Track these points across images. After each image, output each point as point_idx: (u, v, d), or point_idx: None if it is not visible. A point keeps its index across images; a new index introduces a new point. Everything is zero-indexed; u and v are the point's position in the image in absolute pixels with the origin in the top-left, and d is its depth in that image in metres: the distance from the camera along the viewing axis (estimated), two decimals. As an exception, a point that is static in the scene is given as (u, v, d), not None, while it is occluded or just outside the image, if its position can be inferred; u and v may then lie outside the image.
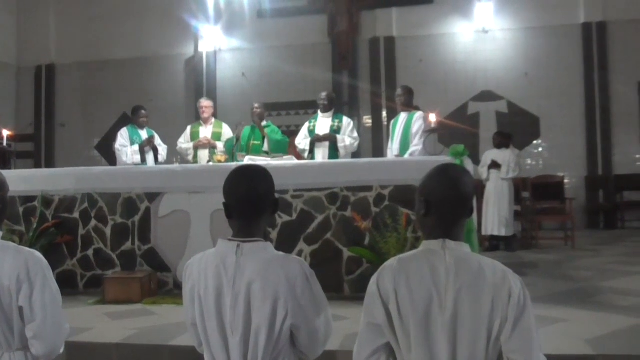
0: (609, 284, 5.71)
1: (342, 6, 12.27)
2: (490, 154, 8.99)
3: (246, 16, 12.66)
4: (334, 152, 6.99)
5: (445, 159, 5.30)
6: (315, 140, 7.05)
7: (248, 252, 1.89)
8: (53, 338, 2.10)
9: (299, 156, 7.12)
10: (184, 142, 7.71)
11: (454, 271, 1.78)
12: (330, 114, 7.20)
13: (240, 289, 1.85)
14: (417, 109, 7.03)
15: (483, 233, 8.66)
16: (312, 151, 7.08)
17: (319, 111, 7.30)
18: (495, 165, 8.74)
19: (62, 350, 2.16)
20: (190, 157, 7.56)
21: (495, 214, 8.61)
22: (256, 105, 7.48)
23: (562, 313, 4.55)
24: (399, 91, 7.05)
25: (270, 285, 1.84)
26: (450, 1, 11.92)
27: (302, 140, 7.24)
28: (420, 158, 5.85)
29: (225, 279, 1.87)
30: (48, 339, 2.09)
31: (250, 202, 1.93)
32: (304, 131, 7.31)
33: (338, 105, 9.84)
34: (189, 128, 7.85)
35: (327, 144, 7.02)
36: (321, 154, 7.00)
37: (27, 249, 2.18)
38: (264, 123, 7.41)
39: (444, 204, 1.84)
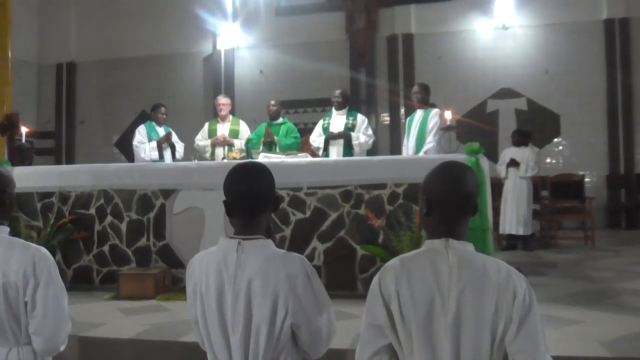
0: (629, 285, 5.60)
1: (360, 3, 12.22)
2: (509, 152, 8.87)
3: (264, 14, 12.68)
4: (348, 150, 6.95)
5: (461, 156, 5.25)
6: (330, 138, 7.02)
7: (249, 250, 1.87)
8: (53, 335, 2.11)
9: (313, 154, 7.09)
10: (202, 140, 7.71)
11: (457, 271, 1.75)
12: (344, 111, 7.16)
13: (240, 287, 1.84)
14: (434, 106, 6.97)
15: (500, 232, 8.56)
16: (326, 149, 7.04)
17: (333, 109, 7.27)
18: (514, 163, 8.63)
19: (62, 348, 2.17)
20: (207, 155, 7.57)
21: (513, 212, 8.50)
22: (272, 102, 7.48)
23: (579, 314, 4.48)
24: (415, 88, 6.99)
25: (270, 283, 1.82)
26: (469, -3, 11.81)
27: (316, 138, 7.22)
28: (434, 156, 5.80)
29: (226, 276, 1.86)
30: (47, 335, 2.10)
31: (250, 199, 1.92)
32: (318, 129, 7.28)
33: (354, 102, 9.80)
34: (206, 125, 7.85)
35: (341, 141, 6.98)
36: (335, 152, 6.97)
37: (34, 245, 2.20)
38: (280, 120, 7.41)
39: (445, 202, 1.81)
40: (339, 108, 7.16)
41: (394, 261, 1.86)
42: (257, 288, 1.83)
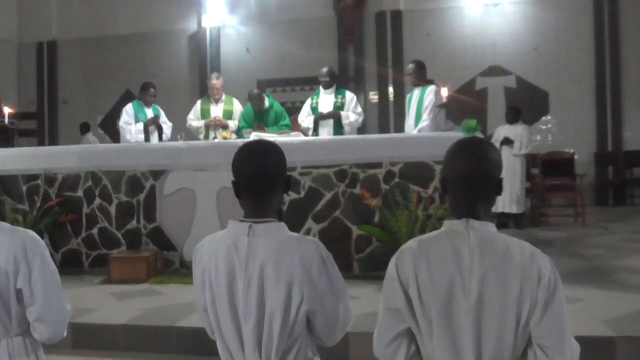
0: (623, 262, 5.62)
1: (348, -21, 12.03)
2: (502, 130, 8.78)
3: (251, -10, 12.44)
4: (338, 129, 6.80)
5: (457, 134, 5.17)
6: (319, 118, 6.86)
7: (261, 233, 1.77)
8: (57, 320, 2.01)
9: (304, 134, 6.96)
10: (194, 119, 7.48)
11: (479, 253, 1.67)
12: (332, 89, 6.98)
13: (252, 273, 1.74)
14: (431, 82, 6.82)
15: (492, 210, 8.50)
16: (316, 129, 6.90)
17: (320, 87, 7.11)
18: (507, 141, 8.52)
19: (65, 334, 2.07)
20: (201, 136, 7.35)
21: (506, 190, 8.42)
22: (253, 92, 7.30)
23: (577, 292, 4.45)
24: (410, 66, 6.83)
25: (284, 268, 1.73)
26: (458, -27, 11.67)
27: (305, 118, 7.05)
28: (430, 134, 5.71)
29: (237, 262, 1.76)
30: (52, 321, 2.00)
31: (259, 179, 1.81)
32: (306, 108, 7.11)
33: (342, 80, 9.66)
34: (198, 104, 7.60)
35: (331, 121, 6.82)
36: (326, 132, 6.83)
37: (22, 229, 2.08)
38: (266, 105, 7.21)
39: (463, 180, 1.73)
40: (326, 87, 6.99)
41: (411, 243, 1.78)
42: (270, 274, 1.73)
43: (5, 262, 1.96)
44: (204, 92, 12.42)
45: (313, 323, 1.79)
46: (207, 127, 7.32)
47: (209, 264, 1.81)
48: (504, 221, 8.55)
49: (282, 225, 1.82)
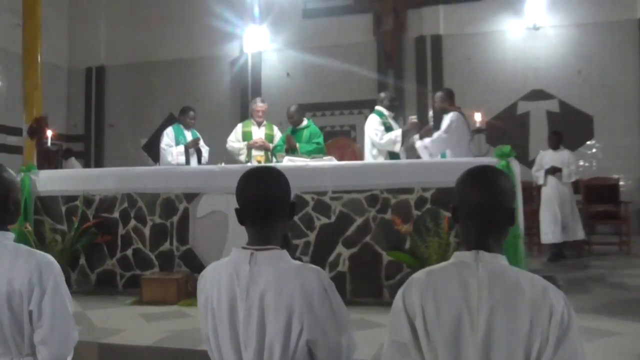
0: (667, 295, 5.37)
1: (388, 5, 12.09)
2: (546, 155, 8.47)
3: (291, 16, 12.61)
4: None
5: (491, 160, 5.08)
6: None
7: (262, 261, 1.75)
8: (59, 345, 2.04)
9: (342, 157, 6.94)
10: (235, 141, 7.58)
11: (487, 286, 1.61)
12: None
13: (253, 301, 1.73)
14: (458, 109, 6.75)
15: (543, 242, 8.23)
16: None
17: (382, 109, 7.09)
18: (554, 170, 8.20)
19: (69, 359, 2.09)
20: (242, 157, 7.42)
21: (556, 220, 8.05)
22: (291, 109, 7.39)
23: (615, 325, 4.27)
24: (438, 94, 6.87)
25: (284, 297, 1.70)
26: (499, -3, 11.56)
27: (382, 136, 6.91)
28: (463, 159, 5.60)
29: (238, 289, 1.75)
30: (54, 346, 2.03)
31: (261, 206, 1.80)
32: (380, 127, 6.95)
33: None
34: (239, 126, 7.72)
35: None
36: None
37: (39, 252, 2.12)
38: (304, 123, 7.31)
39: (474, 210, 1.68)
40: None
41: (419, 274, 1.73)
42: (270, 302, 1.71)
43: (21, 284, 2.02)
44: (245, 117, 12.58)
45: (314, 354, 1.75)
46: (250, 149, 7.37)
47: (211, 292, 1.80)
48: (555, 252, 8.07)
49: (284, 253, 1.79)
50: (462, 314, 1.61)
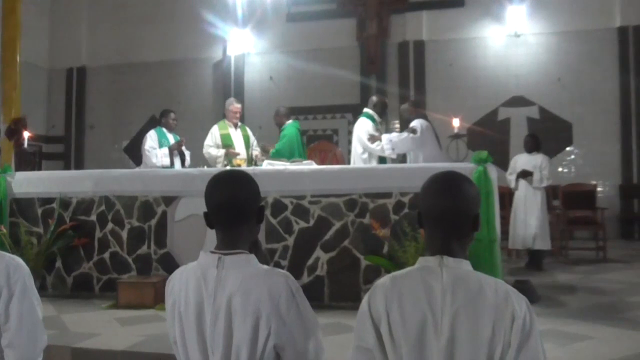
0: (640, 299, 5.44)
1: (372, 10, 12.15)
2: (519, 159, 8.14)
3: (274, 19, 12.61)
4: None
5: (468, 165, 5.12)
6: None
7: (230, 265, 1.75)
8: (27, 349, 2.02)
9: (323, 161, 6.98)
10: (213, 146, 7.40)
11: (451, 291, 1.62)
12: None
13: (220, 305, 1.72)
14: (424, 115, 6.90)
15: (510, 247, 8.12)
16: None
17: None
18: (525, 174, 7.83)
19: None
20: (219, 166, 7.15)
21: (524, 226, 7.75)
22: (280, 110, 7.43)
23: (587, 329, 4.33)
24: (401, 110, 7.09)
25: (251, 301, 1.70)
26: (481, 4, 11.67)
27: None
28: (441, 165, 5.64)
29: (205, 294, 1.74)
30: (22, 349, 2.01)
31: (228, 209, 1.80)
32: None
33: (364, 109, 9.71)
34: (216, 129, 7.51)
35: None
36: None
37: (8, 254, 2.11)
38: (284, 125, 7.32)
39: (438, 217, 1.69)
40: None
41: (384, 279, 1.74)
42: (237, 306, 1.71)
43: None
44: (225, 117, 12.55)
45: (282, 358, 1.75)
46: (228, 156, 7.23)
47: (179, 295, 1.80)
48: (532, 259, 7.81)
49: (252, 258, 1.79)
50: (426, 319, 1.62)
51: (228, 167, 6.72)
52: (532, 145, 8.13)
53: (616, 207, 10.75)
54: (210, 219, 1.82)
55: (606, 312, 4.95)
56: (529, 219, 7.75)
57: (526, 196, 7.87)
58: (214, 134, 7.50)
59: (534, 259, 7.76)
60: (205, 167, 7.05)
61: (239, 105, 7.62)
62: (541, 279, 6.60)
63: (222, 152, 7.31)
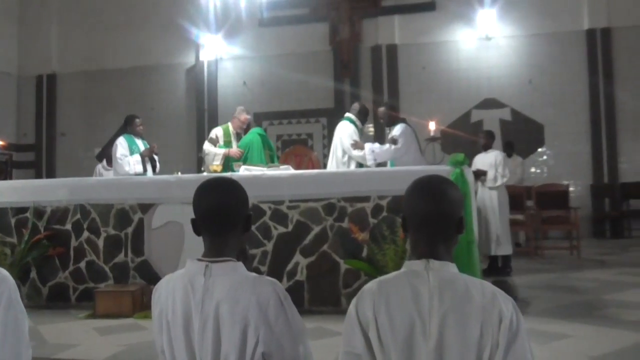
0: (615, 297, 5.53)
1: (344, 14, 12.22)
2: (477, 160, 7.49)
3: (247, 25, 12.62)
4: None
5: (444, 168, 5.17)
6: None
7: (217, 273, 1.74)
8: None
9: (299, 166, 6.97)
10: (212, 144, 7.34)
11: (438, 294, 1.63)
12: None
13: (208, 314, 1.71)
14: (404, 120, 6.90)
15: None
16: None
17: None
18: (479, 174, 7.08)
19: None
20: (216, 163, 7.08)
21: (486, 230, 7.13)
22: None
23: (565, 328, 4.40)
24: (379, 112, 7.09)
25: (239, 309, 1.69)
26: (452, 8, 11.82)
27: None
28: (419, 168, 5.68)
29: (193, 302, 1.73)
30: None
31: (215, 216, 1.79)
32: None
33: (338, 113, 9.73)
34: (220, 131, 7.44)
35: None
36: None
37: None
38: (251, 131, 7.31)
39: (423, 220, 1.71)
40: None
41: (371, 284, 1.75)
42: (225, 314, 1.70)
43: None
44: (201, 125, 12.50)
45: (271, 365, 1.74)
46: (226, 157, 7.13)
47: (166, 304, 1.78)
48: (491, 264, 7.30)
49: (240, 265, 1.79)
50: (415, 322, 1.62)
51: (206, 173, 6.68)
52: (486, 142, 7.56)
53: (588, 207, 10.96)
54: (198, 226, 1.81)
55: (583, 310, 5.03)
56: (488, 224, 7.15)
57: (483, 199, 7.26)
58: (219, 135, 7.43)
59: (495, 264, 7.26)
60: (179, 173, 6.98)
61: (249, 117, 7.55)
62: (518, 278, 6.69)
63: (221, 151, 7.22)
